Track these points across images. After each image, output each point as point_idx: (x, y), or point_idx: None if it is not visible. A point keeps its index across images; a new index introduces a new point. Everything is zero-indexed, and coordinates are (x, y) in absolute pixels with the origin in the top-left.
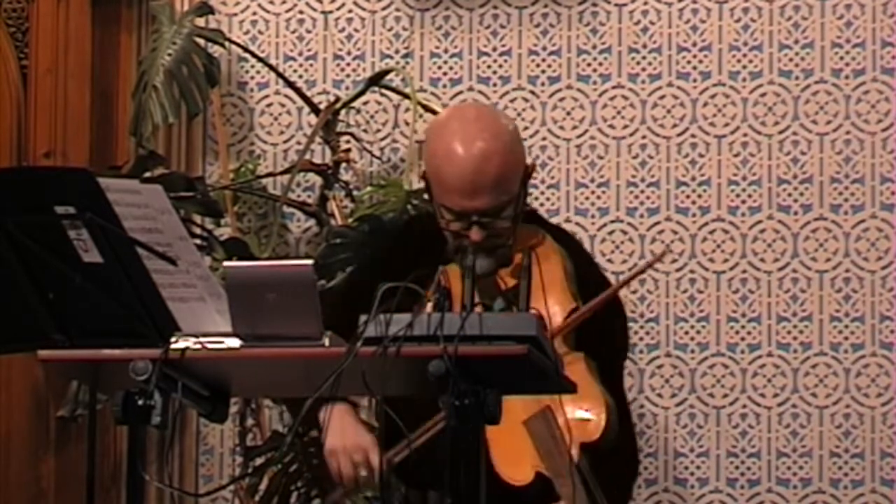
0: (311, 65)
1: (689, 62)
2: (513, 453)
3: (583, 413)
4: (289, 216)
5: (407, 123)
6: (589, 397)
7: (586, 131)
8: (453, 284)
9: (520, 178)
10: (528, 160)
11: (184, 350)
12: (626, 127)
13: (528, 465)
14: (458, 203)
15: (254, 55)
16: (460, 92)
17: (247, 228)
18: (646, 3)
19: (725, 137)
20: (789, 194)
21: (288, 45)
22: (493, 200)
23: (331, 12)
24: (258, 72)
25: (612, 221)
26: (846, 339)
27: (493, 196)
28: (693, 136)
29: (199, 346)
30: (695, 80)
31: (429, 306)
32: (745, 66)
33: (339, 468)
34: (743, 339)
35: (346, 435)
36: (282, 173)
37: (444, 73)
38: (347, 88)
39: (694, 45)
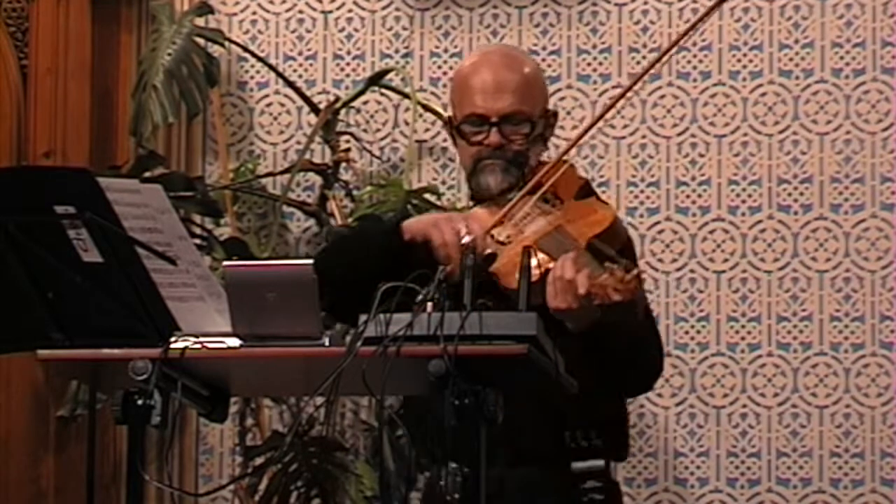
0: (311, 64)
1: (689, 62)
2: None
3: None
4: (289, 216)
5: (407, 123)
6: (599, 209)
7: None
8: (477, 223)
9: (540, 102)
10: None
11: (183, 350)
12: (626, 127)
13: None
14: (482, 104)
15: (254, 55)
16: None
17: (247, 228)
18: (646, 3)
19: (725, 137)
20: (789, 194)
21: (288, 45)
22: (515, 104)
23: (331, 12)
24: (258, 72)
25: None
26: (846, 339)
27: (515, 99)
28: (693, 136)
29: (198, 345)
30: (695, 80)
31: (429, 306)
32: (745, 66)
33: (441, 234)
34: (743, 338)
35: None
36: (282, 173)
37: (444, 73)
38: (347, 88)
39: (694, 44)
